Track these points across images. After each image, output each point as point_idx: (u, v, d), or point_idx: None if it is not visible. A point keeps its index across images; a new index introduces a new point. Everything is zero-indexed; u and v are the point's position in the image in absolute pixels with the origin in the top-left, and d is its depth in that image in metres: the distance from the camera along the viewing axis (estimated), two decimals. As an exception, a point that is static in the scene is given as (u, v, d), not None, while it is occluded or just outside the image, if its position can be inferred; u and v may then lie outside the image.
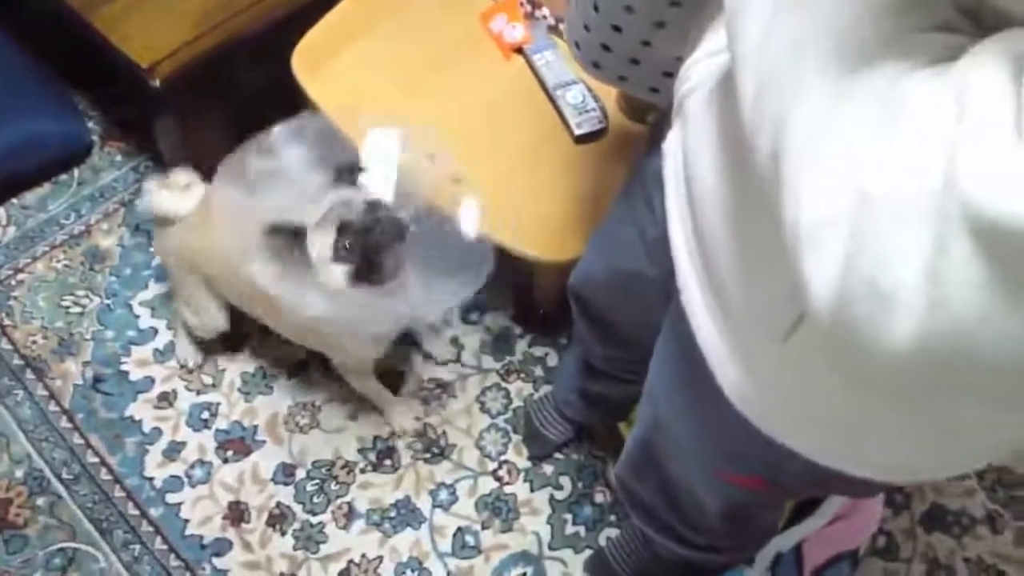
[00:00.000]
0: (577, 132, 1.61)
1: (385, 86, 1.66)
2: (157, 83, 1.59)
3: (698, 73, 0.77)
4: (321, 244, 1.29)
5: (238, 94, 1.81)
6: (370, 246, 1.28)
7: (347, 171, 1.36)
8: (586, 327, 1.36)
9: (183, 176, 1.65)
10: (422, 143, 1.45)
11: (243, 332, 1.81)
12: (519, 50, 1.70)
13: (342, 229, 1.27)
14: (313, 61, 1.67)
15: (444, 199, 1.42)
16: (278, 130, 1.38)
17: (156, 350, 1.81)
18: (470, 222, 1.42)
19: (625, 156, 1.63)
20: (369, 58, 1.69)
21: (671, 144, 0.81)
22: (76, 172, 2.04)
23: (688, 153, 0.75)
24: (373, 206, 1.31)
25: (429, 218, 1.39)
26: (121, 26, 1.63)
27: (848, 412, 0.67)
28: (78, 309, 1.85)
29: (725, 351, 0.72)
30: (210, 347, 1.80)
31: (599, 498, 1.72)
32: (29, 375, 1.77)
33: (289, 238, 1.29)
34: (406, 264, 1.33)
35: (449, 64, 1.69)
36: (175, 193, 1.63)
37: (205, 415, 1.75)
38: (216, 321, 1.68)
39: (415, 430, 1.75)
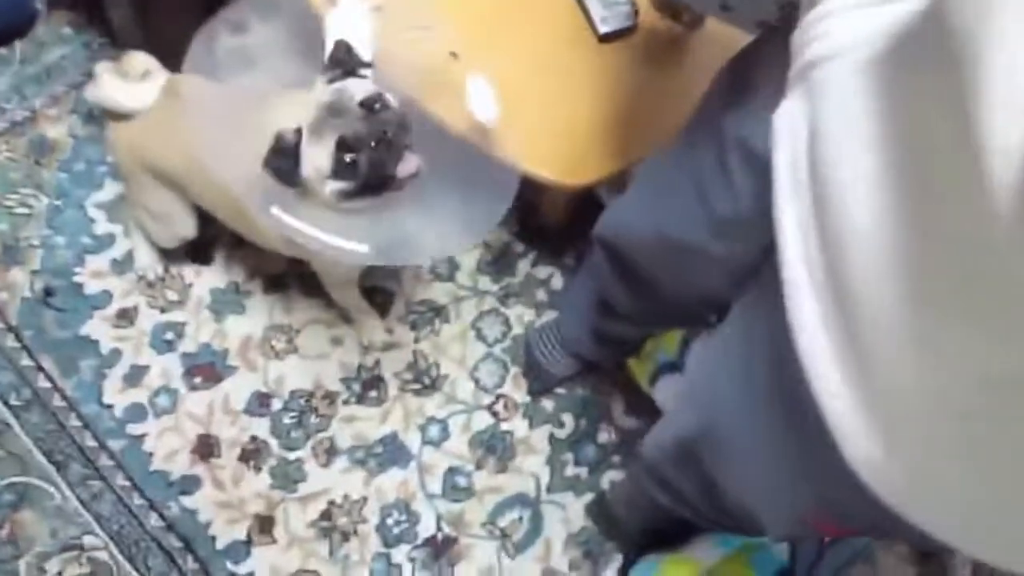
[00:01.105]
0: (602, 29, 1.37)
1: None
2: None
3: (838, 31, 0.56)
4: (315, 159, 1.09)
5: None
6: (377, 160, 1.08)
7: (335, 60, 1.15)
8: (614, 276, 1.19)
9: (140, 61, 1.41)
10: (409, 12, 1.23)
11: (211, 239, 1.61)
12: (535, -74, 1.44)
13: (341, 145, 1.08)
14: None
15: (440, 87, 1.20)
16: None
17: (114, 260, 1.61)
18: (481, 104, 1.21)
19: (657, 59, 1.41)
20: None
21: (787, 117, 0.60)
22: (17, 47, 1.77)
23: (821, 140, 0.55)
24: (370, 105, 1.10)
25: (421, 121, 1.18)
26: None
27: (1007, 497, 0.50)
28: (24, 210, 1.63)
29: (861, 425, 0.54)
30: (174, 256, 1.60)
31: (603, 438, 1.58)
32: (-32, 285, 1.57)
33: (288, 151, 1.09)
34: (422, 166, 1.12)
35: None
36: (131, 82, 1.40)
37: (170, 336, 1.57)
38: (183, 228, 1.48)
39: (383, 346, 1.58)
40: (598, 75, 1.38)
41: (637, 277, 1.12)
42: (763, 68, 0.75)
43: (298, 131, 1.09)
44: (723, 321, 0.85)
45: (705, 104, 0.89)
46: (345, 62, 1.15)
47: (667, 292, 1.09)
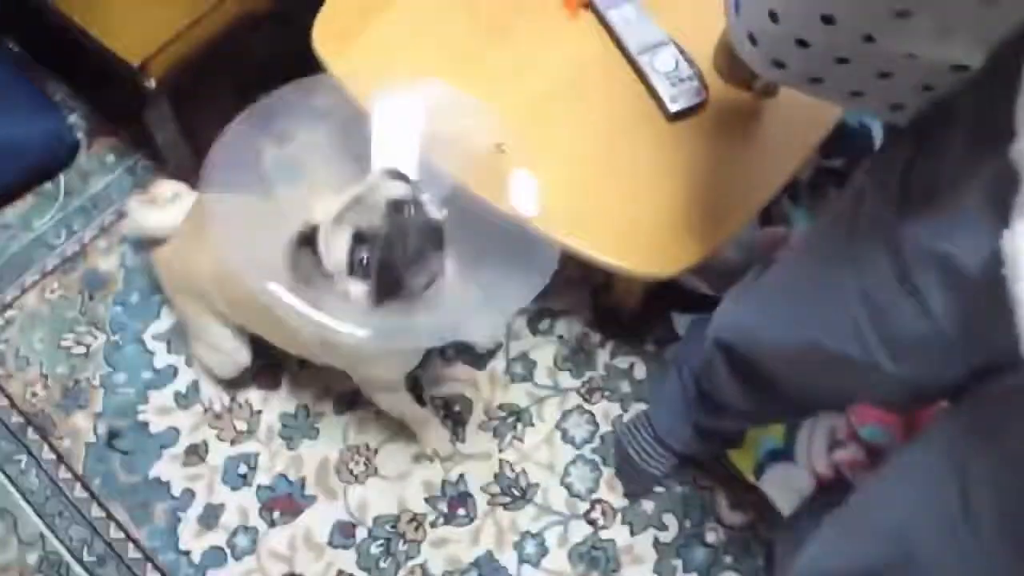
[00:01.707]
0: (672, 108, 1.29)
1: (426, 62, 1.34)
2: (152, 84, 1.28)
3: None
4: (334, 251, 1.04)
5: (246, 76, 1.49)
6: (389, 262, 1.01)
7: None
8: (733, 379, 1.10)
9: (167, 187, 1.39)
10: (457, 102, 1.18)
11: (275, 362, 1.54)
12: (588, 5, 1.37)
13: (358, 238, 1.02)
14: (338, 34, 1.35)
15: (486, 174, 1.16)
16: (283, 91, 1.12)
17: (178, 393, 1.54)
18: (523, 199, 1.16)
19: (731, 133, 1.32)
20: (405, 28, 1.37)
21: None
22: (62, 179, 1.74)
23: None
24: (398, 206, 1.03)
25: (468, 203, 1.13)
26: (101, 13, 1.30)
27: None
28: (81, 349, 1.57)
29: None
30: (239, 383, 1.53)
31: (711, 537, 1.46)
32: (32, 435, 1.50)
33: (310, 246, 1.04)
34: (443, 272, 1.07)
35: (503, 30, 1.36)
36: (161, 208, 1.35)
37: (243, 469, 1.49)
38: (236, 355, 1.42)
39: (492, 474, 1.48)
40: (672, 155, 1.29)
41: (764, 381, 1.03)
42: (944, 174, 0.66)
43: (315, 226, 1.03)
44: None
45: (856, 210, 0.80)
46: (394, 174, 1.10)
47: (800, 395, 1.00)
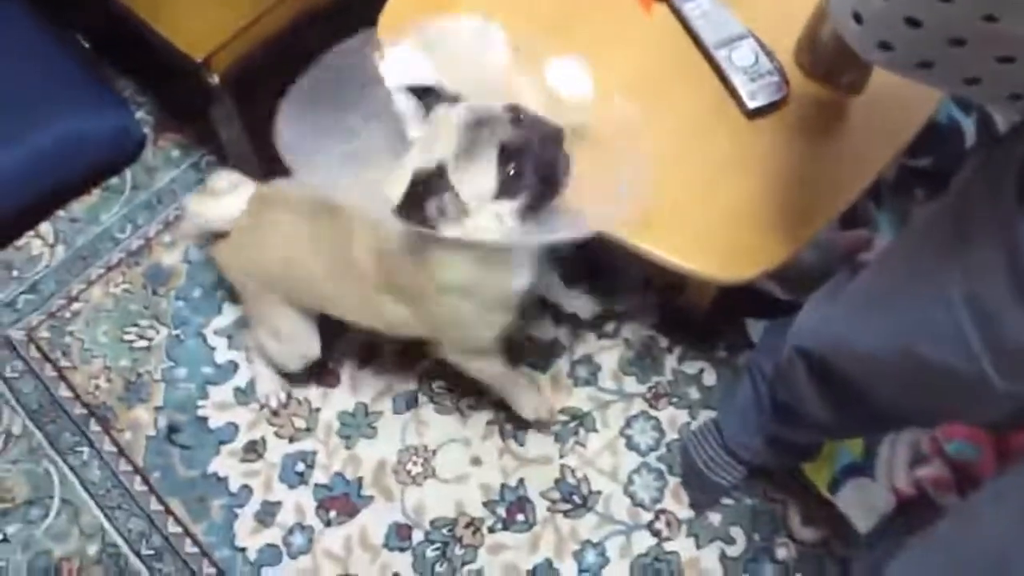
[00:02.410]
0: (751, 104, 1.23)
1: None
2: (215, 80, 1.27)
3: None
4: (474, 183, 0.99)
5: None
6: (548, 160, 1.00)
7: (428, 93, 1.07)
8: (814, 388, 1.04)
9: (225, 177, 1.36)
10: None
11: (337, 360, 1.53)
12: (663, -1, 1.32)
13: (504, 153, 0.98)
14: (403, 27, 1.32)
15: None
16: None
17: (238, 389, 1.53)
18: (576, 79, 1.13)
19: (814, 131, 1.26)
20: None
21: None
22: (128, 174, 1.75)
23: None
24: (516, 112, 1.00)
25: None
26: (167, 9, 1.30)
27: None
28: (143, 343, 1.58)
29: None
30: (298, 381, 1.51)
31: (781, 553, 1.40)
32: (94, 427, 1.51)
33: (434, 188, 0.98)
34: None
35: (573, 24, 1.31)
36: (220, 200, 1.34)
37: (300, 467, 1.47)
38: (307, 346, 1.40)
39: (553, 479, 1.44)
40: (750, 154, 1.23)
41: (850, 394, 0.97)
42: None
43: (436, 167, 0.98)
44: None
45: (964, 209, 0.74)
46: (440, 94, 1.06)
47: (889, 410, 0.94)
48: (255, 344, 1.47)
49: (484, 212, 0.99)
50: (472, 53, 1.15)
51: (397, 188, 0.98)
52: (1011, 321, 0.67)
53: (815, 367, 1.03)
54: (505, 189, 0.98)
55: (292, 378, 1.51)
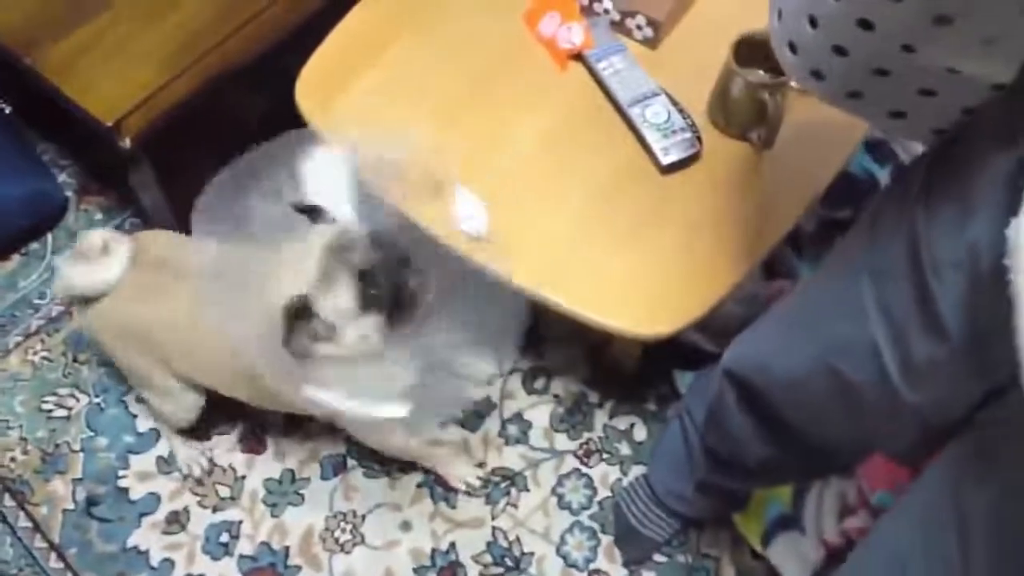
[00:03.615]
0: (664, 160, 1.24)
1: (412, 116, 1.31)
2: (127, 143, 1.25)
3: None
4: (336, 303, 1.05)
5: (230, 135, 1.46)
6: (400, 281, 1.08)
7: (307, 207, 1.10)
8: (745, 418, 1.05)
9: (96, 237, 1.30)
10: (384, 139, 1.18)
11: (260, 425, 1.49)
12: (577, 57, 1.34)
13: (362, 276, 1.06)
14: (323, 88, 1.32)
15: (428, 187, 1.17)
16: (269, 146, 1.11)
17: (160, 458, 1.49)
18: (472, 220, 1.17)
19: (727, 185, 1.27)
20: (391, 83, 1.33)
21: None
22: (49, 238, 1.71)
23: None
24: (377, 237, 1.08)
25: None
26: (77, 73, 1.28)
27: None
28: (63, 412, 1.53)
29: None
30: (222, 446, 1.47)
31: (717, 609, 1.38)
32: (8, 502, 1.45)
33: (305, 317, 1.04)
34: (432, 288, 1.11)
35: (490, 83, 1.32)
36: (94, 262, 1.29)
37: (225, 538, 1.43)
38: (191, 400, 1.36)
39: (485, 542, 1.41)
40: (666, 209, 1.24)
41: (779, 420, 0.98)
42: (968, 169, 0.63)
43: (301, 296, 1.03)
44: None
45: (876, 219, 0.77)
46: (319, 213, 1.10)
47: (814, 438, 0.95)
48: (150, 409, 1.43)
49: (350, 329, 1.05)
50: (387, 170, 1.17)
51: (269, 323, 1.03)
52: (913, 330, 0.69)
53: (743, 394, 1.04)
54: (366, 306, 1.05)
55: (216, 444, 1.47)
